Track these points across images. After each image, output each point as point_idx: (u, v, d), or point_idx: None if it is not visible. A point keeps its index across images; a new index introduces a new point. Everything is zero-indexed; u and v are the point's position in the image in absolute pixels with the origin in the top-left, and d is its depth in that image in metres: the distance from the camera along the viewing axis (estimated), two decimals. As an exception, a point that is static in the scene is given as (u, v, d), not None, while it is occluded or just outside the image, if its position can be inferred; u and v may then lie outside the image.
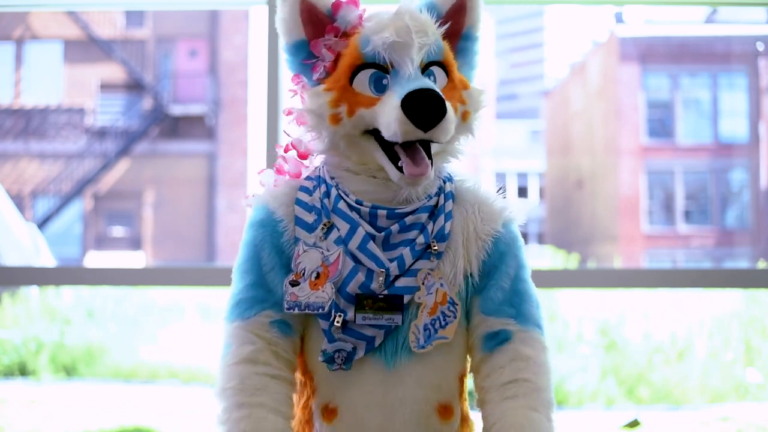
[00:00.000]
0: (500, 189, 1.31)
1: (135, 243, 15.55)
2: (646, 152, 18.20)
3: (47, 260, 8.90)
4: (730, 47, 17.91)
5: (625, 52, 18.25)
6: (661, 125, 18.40)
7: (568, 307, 6.76)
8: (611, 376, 5.62)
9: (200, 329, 7.50)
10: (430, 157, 1.17)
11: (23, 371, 6.17)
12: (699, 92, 18.42)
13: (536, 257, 13.78)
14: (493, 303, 1.23)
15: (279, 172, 1.31)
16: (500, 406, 1.19)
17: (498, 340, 1.23)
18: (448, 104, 1.15)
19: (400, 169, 1.17)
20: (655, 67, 18.30)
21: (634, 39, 18.36)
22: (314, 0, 1.24)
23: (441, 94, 1.14)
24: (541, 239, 22.80)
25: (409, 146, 1.16)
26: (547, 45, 44.08)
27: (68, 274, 2.51)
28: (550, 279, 2.35)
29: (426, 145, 1.18)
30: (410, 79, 1.16)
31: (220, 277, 2.28)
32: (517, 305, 1.24)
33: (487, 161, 23.24)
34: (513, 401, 1.19)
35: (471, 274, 1.24)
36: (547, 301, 6.59)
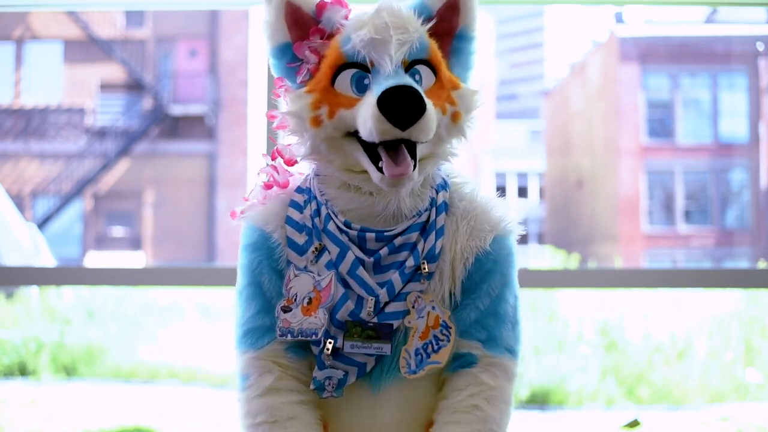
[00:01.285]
0: (499, 191, 1.26)
1: (135, 243, 15.54)
2: (646, 152, 18.19)
3: (47, 260, 8.89)
4: (730, 47, 17.89)
5: (625, 52, 18.23)
6: (661, 125, 18.39)
7: (568, 307, 6.75)
8: (611, 376, 5.61)
9: (200, 329, 7.49)
10: (414, 157, 1.12)
11: (23, 371, 6.16)
12: (699, 92, 18.40)
13: (536, 257, 13.78)
14: (464, 323, 1.19)
15: (267, 187, 1.26)
16: (442, 429, 1.17)
17: (461, 362, 1.20)
18: (430, 103, 1.11)
19: (381, 170, 1.12)
20: (655, 67, 18.29)
21: (634, 39, 18.34)
22: (299, 2, 1.19)
23: (420, 91, 1.09)
24: (541, 239, 22.78)
25: (392, 147, 1.11)
26: (547, 45, 44.04)
27: (68, 274, 2.50)
28: (550, 279, 2.35)
29: (410, 144, 1.12)
30: (389, 76, 1.11)
31: (220, 277, 2.28)
32: (490, 328, 1.19)
33: (487, 161, 23.22)
34: (455, 427, 1.16)
35: (453, 293, 1.19)
36: (547, 301, 6.59)
